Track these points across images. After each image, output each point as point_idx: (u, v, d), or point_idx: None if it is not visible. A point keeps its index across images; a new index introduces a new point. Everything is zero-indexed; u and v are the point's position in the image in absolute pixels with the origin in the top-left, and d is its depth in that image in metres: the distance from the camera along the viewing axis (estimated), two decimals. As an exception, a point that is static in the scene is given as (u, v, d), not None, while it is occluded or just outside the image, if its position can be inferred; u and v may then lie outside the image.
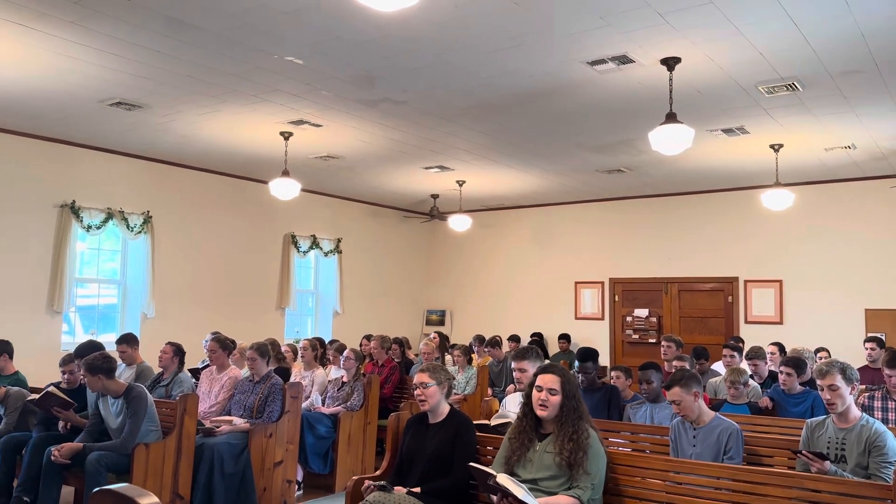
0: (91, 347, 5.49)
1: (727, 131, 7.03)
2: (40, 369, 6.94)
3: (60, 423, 5.36)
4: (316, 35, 4.85)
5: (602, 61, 5.22)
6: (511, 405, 4.76)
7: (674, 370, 5.04)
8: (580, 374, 5.37)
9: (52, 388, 5.26)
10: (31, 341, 7.11)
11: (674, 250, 10.42)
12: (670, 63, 5.21)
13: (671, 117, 5.38)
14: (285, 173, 7.51)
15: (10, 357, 6.11)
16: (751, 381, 5.72)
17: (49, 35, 4.90)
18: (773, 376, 6.23)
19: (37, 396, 5.27)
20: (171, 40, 4.98)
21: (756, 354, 6.32)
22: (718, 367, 7.16)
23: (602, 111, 6.48)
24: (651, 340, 10.36)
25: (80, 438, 4.99)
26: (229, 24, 4.69)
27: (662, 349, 6.82)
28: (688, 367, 5.52)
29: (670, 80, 5.41)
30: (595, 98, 6.11)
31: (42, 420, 5.46)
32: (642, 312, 10.56)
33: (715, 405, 5.16)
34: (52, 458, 4.73)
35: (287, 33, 4.84)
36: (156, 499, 1.57)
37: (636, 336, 10.57)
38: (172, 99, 6.29)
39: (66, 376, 5.62)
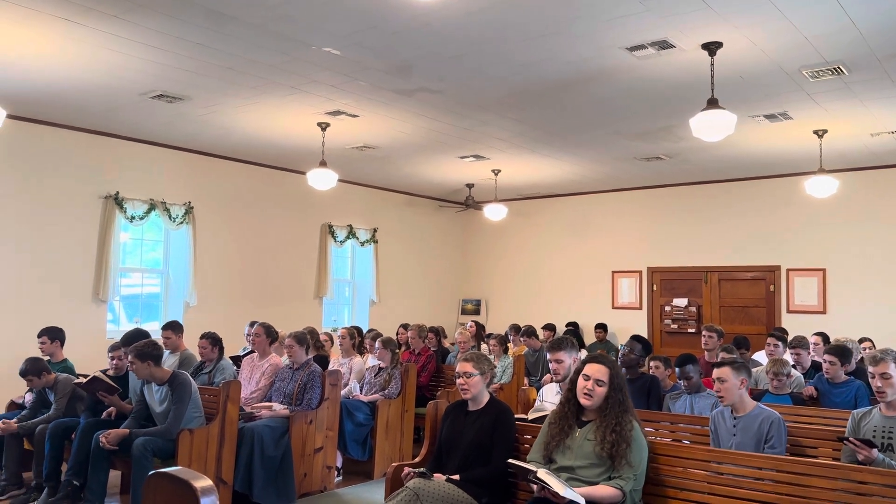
0: (138, 335, 5.63)
1: (770, 117, 6.88)
2: (86, 357, 7.13)
3: (105, 411, 5.51)
4: (353, 25, 4.87)
5: (642, 47, 5.15)
6: (548, 395, 4.76)
7: (715, 360, 4.98)
8: (622, 356, 5.35)
9: (98, 373, 5.41)
10: (77, 329, 7.29)
11: (714, 239, 10.26)
12: (712, 48, 5.11)
13: (713, 103, 5.29)
14: (322, 164, 7.57)
15: (62, 344, 6.30)
16: (794, 372, 5.63)
17: (93, 29, 5.00)
18: (815, 366, 6.11)
19: (84, 380, 5.43)
20: (212, 33, 5.05)
21: (799, 344, 6.21)
22: (760, 356, 7.05)
23: (641, 98, 6.40)
24: (690, 330, 10.23)
25: (126, 424, 5.12)
26: (268, 15, 4.73)
27: (703, 339, 6.73)
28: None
29: (712, 65, 5.32)
30: (634, 84, 6.03)
31: (90, 406, 5.62)
32: (681, 302, 10.43)
33: (756, 395, 5.08)
34: (101, 444, 4.87)
35: (325, 24, 4.86)
36: (209, 481, 1.60)
37: (675, 326, 10.45)
38: (212, 91, 6.38)
39: (113, 362, 5.77)
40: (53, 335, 6.26)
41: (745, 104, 6.48)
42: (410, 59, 5.51)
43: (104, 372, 5.81)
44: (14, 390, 6.59)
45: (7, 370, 6.79)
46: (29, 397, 5.97)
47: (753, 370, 6.12)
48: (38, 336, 6.26)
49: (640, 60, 5.43)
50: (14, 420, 5.67)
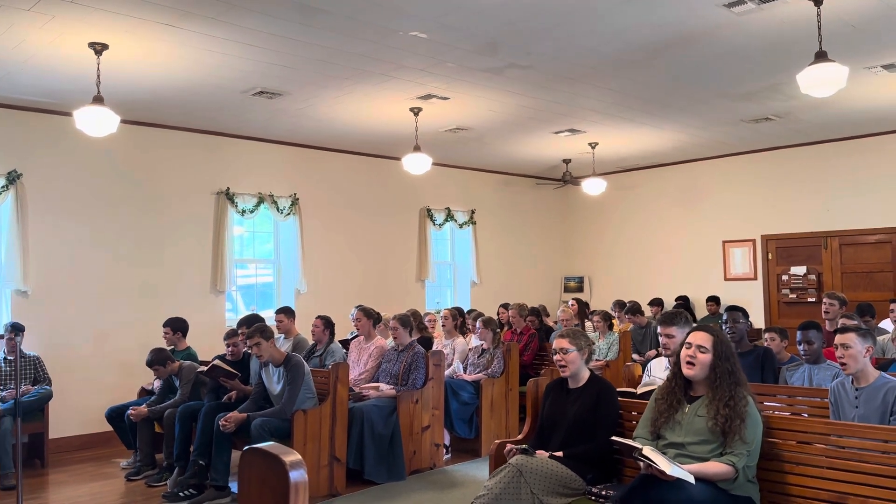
0: (253, 318, 5.95)
1: (888, 67, 6.37)
2: (208, 345, 7.57)
3: (226, 395, 5.84)
4: (438, 7, 4.88)
5: (741, 2, 4.87)
6: (656, 370, 4.65)
7: (837, 328, 4.70)
8: (727, 325, 5.13)
9: (217, 361, 5.75)
10: (198, 319, 7.74)
11: (833, 201, 9.63)
12: (818, -4, 4.78)
13: (821, 56, 4.94)
14: (417, 148, 7.65)
15: (185, 335, 6.72)
16: (925, 339, 5.23)
17: (194, 32, 5.25)
18: (952, 333, 5.64)
19: (205, 368, 5.78)
20: (303, 27, 5.19)
21: (932, 309, 5.75)
22: (886, 325, 6.61)
23: (744, 56, 6.07)
24: (810, 300, 9.68)
25: (245, 407, 5.41)
26: (355, 4, 4.81)
27: (824, 307, 6.36)
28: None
29: (818, 15, 4.96)
30: (735, 42, 5.72)
31: (212, 390, 5.97)
32: (799, 270, 9.87)
33: (882, 365, 4.76)
34: (221, 427, 5.17)
35: (410, 9, 4.89)
36: (298, 456, 1.68)
37: (793, 295, 9.91)
38: (308, 84, 6.56)
39: (230, 349, 6.10)
40: (176, 326, 6.68)
41: (858, 55, 6.02)
42: (497, 36, 5.46)
43: (222, 357, 6.16)
44: (144, 377, 7.09)
45: (137, 360, 7.32)
46: (157, 384, 6.41)
47: (880, 339, 5.74)
48: (163, 326, 6.69)
49: (739, 16, 5.15)
50: (144, 406, 6.11)
